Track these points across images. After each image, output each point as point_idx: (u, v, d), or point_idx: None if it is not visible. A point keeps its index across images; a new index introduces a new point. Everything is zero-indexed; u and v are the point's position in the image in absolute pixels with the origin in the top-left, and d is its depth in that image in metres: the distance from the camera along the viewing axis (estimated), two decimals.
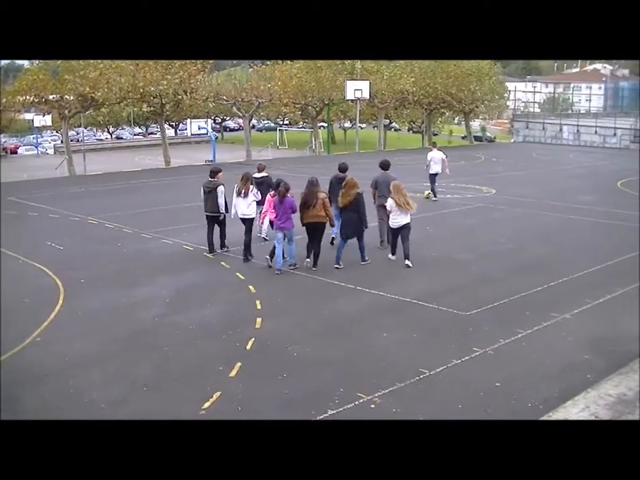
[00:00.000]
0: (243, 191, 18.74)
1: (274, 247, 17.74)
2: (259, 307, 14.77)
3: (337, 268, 17.76)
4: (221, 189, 19.35)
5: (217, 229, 19.85)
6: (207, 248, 19.69)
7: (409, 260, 17.91)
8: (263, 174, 21.00)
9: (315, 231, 17.72)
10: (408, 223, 17.92)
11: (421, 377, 11.05)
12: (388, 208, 18.07)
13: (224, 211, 19.46)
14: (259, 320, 13.86)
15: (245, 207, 18.79)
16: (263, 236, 20.90)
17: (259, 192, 19.14)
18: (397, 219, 17.91)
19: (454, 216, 26.11)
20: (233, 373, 11.30)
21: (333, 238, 19.96)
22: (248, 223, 18.96)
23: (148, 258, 19.67)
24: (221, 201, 19.31)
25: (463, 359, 11.76)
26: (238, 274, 17.40)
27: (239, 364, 11.62)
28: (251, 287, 16.19)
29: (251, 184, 18.95)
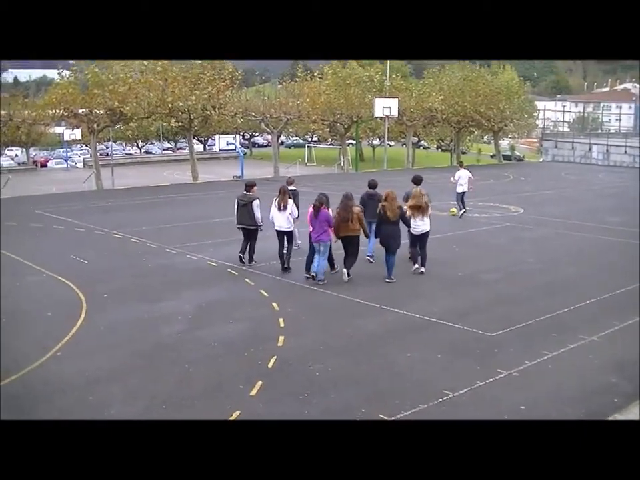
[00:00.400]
0: (282, 204, 19.22)
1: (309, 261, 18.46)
2: (282, 324, 14.64)
3: (390, 281, 18.20)
4: (256, 202, 19.85)
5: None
6: (237, 263, 20.06)
7: (424, 267, 19.07)
8: (292, 187, 21.31)
9: (350, 245, 18.21)
10: (428, 231, 19.06)
11: (445, 398, 10.85)
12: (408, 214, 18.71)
13: (261, 224, 19.94)
14: (281, 338, 13.71)
15: (283, 220, 19.32)
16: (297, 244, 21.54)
17: (295, 206, 19.78)
18: (418, 225, 18.84)
19: (481, 235, 25.90)
20: (254, 392, 11.14)
21: (370, 256, 20.34)
22: (287, 235, 19.55)
23: (172, 273, 19.60)
24: (258, 214, 19.79)
25: (487, 381, 11.55)
26: (262, 291, 17.27)
27: (259, 382, 11.46)
28: (274, 304, 16.05)
29: (289, 198, 19.44)
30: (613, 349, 13.26)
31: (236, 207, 20.15)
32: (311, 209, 18.18)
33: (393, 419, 10.09)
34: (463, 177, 29.98)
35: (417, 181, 20.75)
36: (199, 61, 51.95)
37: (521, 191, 42.11)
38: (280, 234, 19.53)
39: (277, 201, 19.37)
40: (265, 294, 17.03)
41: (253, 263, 20.16)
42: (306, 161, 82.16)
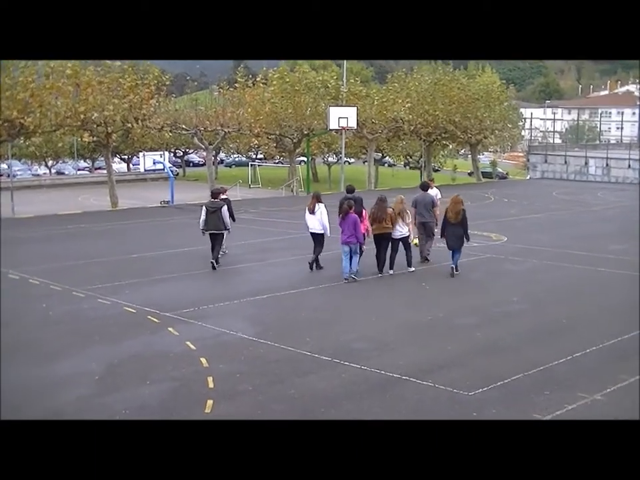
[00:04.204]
0: (312, 208, 24.76)
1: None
2: (211, 385, 14.16)
3: (454, 273, 23.89)
4: (224, 208, 25.45)
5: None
6: (211, 264, 25.30)
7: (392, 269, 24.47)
8: (224, 196, 27.28)
9: (382, 240, 23.94)
10: (406, 236, 24.50)
11: None
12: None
13: (229, 227, 25.95)
14: (209, 402, 13.23)
15: (315, 222, 24.92)
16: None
17: (230, 213, 26.10)
18: (397, 229, 24.11)
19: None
20: None
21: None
22: (318, 236, 25.07)
23: (78, 322, 19.05)
24: (227, 219, 25.55)
25: None
26: (189, 343, 16.77)
27: None
28: (202, 360, 15.57)
29: (319, 202, 24.87)
30: (622, 409, 12.84)
31: (204, 213, 25.39)
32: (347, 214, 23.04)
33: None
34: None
35: (424, 187, 27.10)
36: (118, 63, 51.31)
37: (504, 214, 42.30)
38: (312, 235, 25.17)
39: (307, 205, 25.22)
40: (192, 346, 16.57)
41: (218, 265, 25.38)
42: (249, 182, 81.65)
